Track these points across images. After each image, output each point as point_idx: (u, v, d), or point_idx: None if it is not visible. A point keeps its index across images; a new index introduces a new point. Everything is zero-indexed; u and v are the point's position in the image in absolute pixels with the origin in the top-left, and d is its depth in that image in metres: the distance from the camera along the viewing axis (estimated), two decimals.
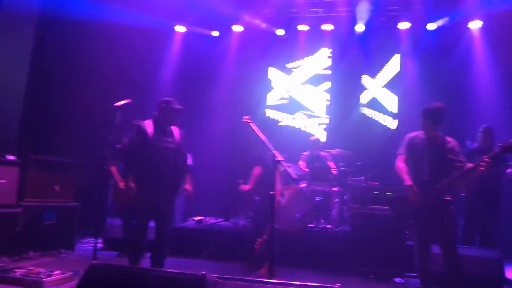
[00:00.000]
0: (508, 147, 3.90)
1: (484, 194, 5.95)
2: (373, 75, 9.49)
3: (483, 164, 3.95)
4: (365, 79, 9.53)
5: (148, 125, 4.97)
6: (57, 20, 8.23)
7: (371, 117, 9.40)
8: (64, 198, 6.41)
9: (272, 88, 10.04)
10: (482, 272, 5.27)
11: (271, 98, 10.03)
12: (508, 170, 5.86)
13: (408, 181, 4.41)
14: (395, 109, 9.23)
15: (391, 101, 9.29)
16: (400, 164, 4.55)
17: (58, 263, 5.52)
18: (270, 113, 9.91)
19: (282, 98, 9.98)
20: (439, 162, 4.37)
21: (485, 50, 8.51)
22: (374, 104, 9.45)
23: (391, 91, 9.34)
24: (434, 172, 4.36)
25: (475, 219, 6.17)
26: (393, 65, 9.36)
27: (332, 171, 7.40)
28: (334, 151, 7.71)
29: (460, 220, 6.14)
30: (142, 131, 4.90)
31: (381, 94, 9.40)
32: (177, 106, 5.08)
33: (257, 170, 5.66)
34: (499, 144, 3.95)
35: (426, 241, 4.44)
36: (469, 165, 4.18)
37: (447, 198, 4.30)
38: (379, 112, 9.37)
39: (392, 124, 9.18)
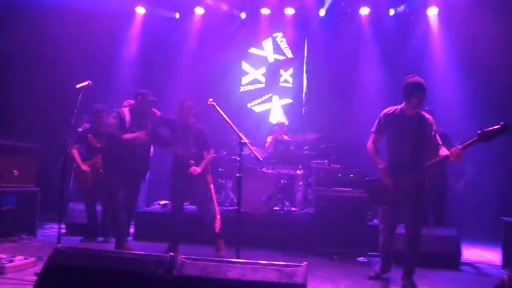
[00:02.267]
0: (487, 134, 3.76)
1: (431, 177, 6.10)
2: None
3: (457, 151, 3.89)
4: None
5: (126, 114, 5.34)
6: (16, 5, 7.95)
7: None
8: (24, 183, 6.23)
9: (238, 71, 10.01)
10: (440, 250, 5.51)
11: (245, 81, 10.01)
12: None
13: (380, 163, 4.38)
14: None
15: None
16: (370, 145, 4.51)
17: (20, 248, 5.37)
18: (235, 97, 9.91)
19: (250, 83, 9.96)
20: (417, 142, 4.26)
21: (442, 35, 8.76)
22: None
23: None
24: (410, 152, 4.26)
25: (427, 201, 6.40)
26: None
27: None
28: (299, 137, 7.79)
29: None
30: (122, 118, 5.28)
31: None
32: (152, 98, 5.46)
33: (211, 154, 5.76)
34: (478, 132, 3.80)
35: (395, 223, 4.55)
36: (444, 149, 4.13)
37: (422, 183, 4.29)
38: None
39: None
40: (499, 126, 3.70)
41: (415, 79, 4.30)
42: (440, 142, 4.27)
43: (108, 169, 5.37)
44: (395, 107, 4.45)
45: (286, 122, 9.05)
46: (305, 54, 9.70)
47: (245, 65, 10.00)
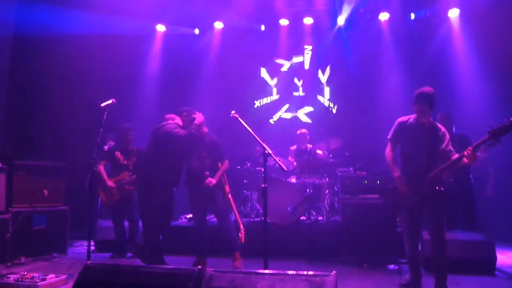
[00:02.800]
0: (497, 132, 3.83)
1: (456, 183, 5.95)
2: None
3: (468, 153, 3.95)
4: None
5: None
6: (35, 36, 8.24)
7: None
8: (54, 202, 6.35)
9: (259, 84, 10.03)
10: (474, 255, 5.37)
11: (257, 95, 10.02)
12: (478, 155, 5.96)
13: (396, 172, 4.45)
14: None
15: None
16: (389, 152, 4.60)
17: (52, 267, 5.47)
18: (257, 109, 9.91)
19: (268, 93, 9.97)
20: (430, 150, 4.36)
21: (464, 37, 8.62)
22: None
23: None
24: (424, 159, 4.36)
25: (455, 207, 6.26)
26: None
27: (323, 159, 7.44)
28: (322, 145, 7.74)
29: None
30: None
31: None
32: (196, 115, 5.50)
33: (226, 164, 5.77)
34: (488, 130, 3.87)
35: (416, 228, 4.52)
36: (456, 155, 4.19)
37: (439, 188, 4.29)
38: None
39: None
40: (508, 122, 3.73)
41: (422, 89, 4.44)
42: (452, 149, 4.34)
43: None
44: (410, 116, 4.57)
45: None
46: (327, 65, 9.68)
47: (264, 73, 10.02)
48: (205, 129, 5.54)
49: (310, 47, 9.84)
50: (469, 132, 6.04)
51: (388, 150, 4.62)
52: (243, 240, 5.24)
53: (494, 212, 7.16)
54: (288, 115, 9.83)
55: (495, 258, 5.37)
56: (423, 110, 4.38)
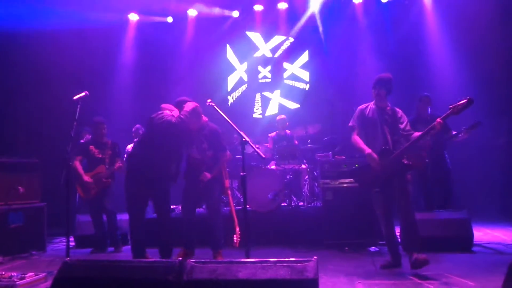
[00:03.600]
0: (459, 108, 4.14)
1: (433, 164, 6.25)
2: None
3: (438, 123, 4.20)
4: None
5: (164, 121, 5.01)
6: (5, 31, 8.00)
7: None
8: (30, 199, 6.22)
9: (233, 70, 9.95)
10: (452, 233, 5.48)
11: (232, 81, 9.93)
12: (459, 135, 6.10)
13: (366, 149, 4.62)
14: None
15: None
16: (355, 136, 4.79)
17: (30, 265, 5.38)
18: (232, 96, 9.85)
19: (241, 80, 9.89)
20: (392, 131, 4.64)
21: (436, 20, 8.70)
22: None
23: None
24: (388, 139, 4.61)
25: (432, 188, 6.42)
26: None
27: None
28: (301, 130, 7.77)
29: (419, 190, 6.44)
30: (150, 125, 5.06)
31: None
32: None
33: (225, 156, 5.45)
34: (449, 106, 4.21)
35: (389, 207, 4.66)
36: (417, 133, 4.47)
37: (405, 162, 4.51)
38: None
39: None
40: (465, 100, 4.10)
41: (380, 75, 4.78)
42: (411, 129, 4.66)
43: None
44: (369, 103, 4.86)
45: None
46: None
47: (230, 53, 9.94)
48: (205, 118, 5.21)
49: (286, 36, 9.78)
50: (442, 112, 6.12)
51: (355, 135, 4.80)
52: (237, 245, 4.75)
53: (470, 191, 7.28)
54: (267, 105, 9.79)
55: (472, 235, 5.49)
56: (380, 95, 4.69)
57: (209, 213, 5.35)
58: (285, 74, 9.85)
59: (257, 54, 9.88)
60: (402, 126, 4.66)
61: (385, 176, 4.54)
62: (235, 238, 4.77)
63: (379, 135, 4.66)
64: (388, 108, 4.74)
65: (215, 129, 5.28)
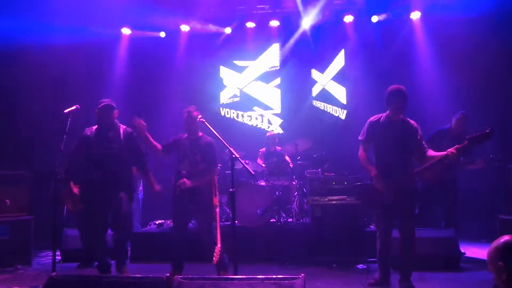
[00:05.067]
0: (475, 139, 4.03)
1: (442, 182, 6.10)
2: (322, 69, 9.65)
3: (453, 152, 4.09)
4: (314, 73, 9.68)
5: (91, 132, 5.09)
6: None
7: (323, 109, 9.56)
8: (17, 212, 6.14)
9: (224, 86, 10.00)
10: (439, 252, 5.51)
11: (224, 97, 9.99)
12: (470, 167, 6.16)
13: (373, 171, 4.47)
14: (344, 100, 9.40)
15: (340, 93, 9.45)
16: (362, 153, 4.62)
17: (15, 279, 5.30)
18: (225, 112, 9.87)
19: (234, 96, 9.92)
20: (402, 147, 4.42)
21: (426, 39, 8.83)
22: (325, 96, 9.60)
23: (338, 83, 9.51)
24: (399, 156, 4.42)
25: (432, 205, 6.41)
26: (340, 58, 9.53)
27: (290, 165, 7.52)
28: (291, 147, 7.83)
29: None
30: (83, 139, 5.05)
31: (331, 86, 9.57)
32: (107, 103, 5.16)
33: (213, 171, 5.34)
34: (467, 137, 4.09)
35: (390, 227, 4.59)
36: (431, 151, 4.34)
37: (413, 187, 4.45)
38: (330, 104, 9.55)
39: (342, 114, 9.39)
40: (486, 131, 3.97)
41: (395, 86, 4.52)
42: (426, 146, 4.47)
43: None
44: (380, 114, 4.63)
45: (279, 131, 9.11)
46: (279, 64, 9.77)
47: (234, 79, 9.98)
48: (199, 131, 5.18)
49: (277, 49, 9.87)
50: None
51: (361, 151, 4.64)
52: (215, 262, 4.73)
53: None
54: (259, 118, 9.81)
55: (459, 253, 5.53)
56: (402, 107, 4.45)
57: (200, 229, 5.23)
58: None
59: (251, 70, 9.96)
60: (416, 141, 4.46)
61: (389, 197, 4.40)
62: (214, 255, 4.69)
63: (389, 151, 4.47)
64: (402, 121, 4.52)
65: (210, 142, 5.16)
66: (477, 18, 7.77)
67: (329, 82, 9.58)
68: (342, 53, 9.49)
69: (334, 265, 5.73)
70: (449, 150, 4.13)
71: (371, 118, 4.66)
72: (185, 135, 5.18)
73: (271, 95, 9.82)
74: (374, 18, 9.05)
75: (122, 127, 5.21)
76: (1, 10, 7.78)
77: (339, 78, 9.51)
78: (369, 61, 8.99)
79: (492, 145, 5.81)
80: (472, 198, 7.58)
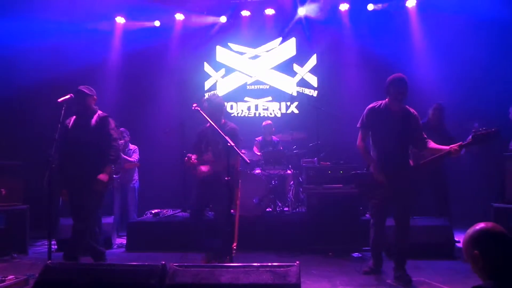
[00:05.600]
0: (480, 137, 3.96)
1: (430, 172, 6.15)
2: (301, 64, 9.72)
3: (456, 148, 4.07)
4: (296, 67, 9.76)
5: (70, 120, 5.05)
6: None
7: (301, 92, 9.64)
8: (12, 201, 6.15)
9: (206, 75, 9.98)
10: (433, 240, 5.55)
11: (208, 84, 9.94)
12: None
13: (372, 161, 4.45)
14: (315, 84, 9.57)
15: (313, 80, 9.61)
16: (360, 142, 4.58)
17: (12, 268, 5.31)
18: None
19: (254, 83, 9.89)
20: (402, 137, 4.40)
21: (421, 28, 8.82)
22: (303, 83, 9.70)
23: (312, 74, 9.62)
24: (398, 145, 4.40)
25: (421, 194, 6.42)
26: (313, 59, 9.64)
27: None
28: (287, 136, 7.82)
29: None
30: (61, 127, 4.88)
31: (307, 76, 9.68)
32: (79, 88, 5.03)
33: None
34: (473, 134, 4.01)
35: (385, 216, 4.60)
36: (431, 142, 4.34)
37: (410, 176, 4.42)
38: (306, 87, 9.67)
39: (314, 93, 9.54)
40: (492, 130, 3.89)
41: (396, 75, 4.46)
42: (425, 136, 4.44)
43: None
44: (380, 102, 4.56)
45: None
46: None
47: (207, 67, 9.95)
48: (223, 119, 5.13)
49: (274, 41, 9.82)
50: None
51: (359, 140, 4.60)
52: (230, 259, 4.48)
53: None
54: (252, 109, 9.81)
55: (453, 242, 5.57)
56: (402, 96, 4.38)
57: (216, 219, 5.16)
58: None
59: (245, 60, 9.90)
60: (416, 131, 4.45)
61: (386, 188, 4.38)
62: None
63: (387, 140, 4.43)
64: (402, 109, 4.46)
65: (233, 128, 5.05)
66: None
67: (306, 74, 9.68)
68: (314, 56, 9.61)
69: (330, 254, 5.76)
70: (451, 146, 4.11)
71: (370, 105, 4.59)
72: (208, 124, 4.96)
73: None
74: (370, 6, 9.01)
75: (97, 113, 5.09)
76: None
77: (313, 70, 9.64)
78: (366, 50, 8.95)
79: None
80: (466, 187, 7.64)
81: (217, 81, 9.88)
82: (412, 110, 4.51)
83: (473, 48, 8.00)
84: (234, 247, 4.61)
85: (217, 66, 9.91)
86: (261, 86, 9.81)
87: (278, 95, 9.71)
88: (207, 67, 9.93)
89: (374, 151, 4.55)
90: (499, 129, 3.89)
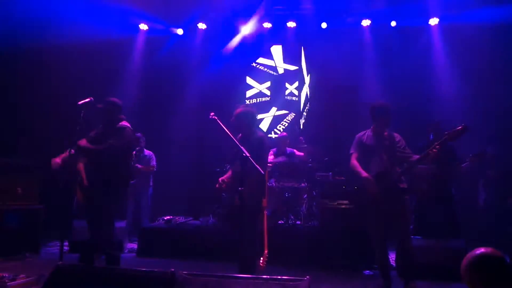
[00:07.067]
0: (452, 135, 4.31)
1: (437, 194, 6.17)
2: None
3: (435, 149, 4.29)
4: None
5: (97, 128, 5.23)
6: (10, 34, 8.09)
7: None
8: (27, 201, 6.23)
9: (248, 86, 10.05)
10: (449, 262, 5.41)
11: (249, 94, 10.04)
12: (463, 165, 6.15)
13: (363, 173, 4.61)
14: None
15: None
16: (353, 161, 4.78)
17: (23, 267, 5.35)
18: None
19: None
20: (389, 156, 4.64)
21: (444, 46, 8.76)
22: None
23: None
24: (387, 165, 4.60)
25: (425, 216, 6.35)
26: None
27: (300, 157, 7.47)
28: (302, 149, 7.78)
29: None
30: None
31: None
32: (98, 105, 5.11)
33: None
34: (446, 132, 4.36)
35: (383, 231, 4.63)
36: (416, 156, 4.53)
37: (402, 186, 4.56)
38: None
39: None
40: (460, 127, 4.29)
41: (380, 102, 4.88)
42: (410, 151, 4.70)
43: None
44: (365, 131, 4.92)
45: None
46: (304, 66, 9.76)
47: (249, 80, 10.00)
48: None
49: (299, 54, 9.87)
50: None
51: (352, 160, 4.80)
52: (262, 267, 4.42)
53: (468, 219, 7.22)
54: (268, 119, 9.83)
55: None
56: (379, 123, 4.73)
57: (241, 231, 4.70)
58: (286, 92, 9.91)
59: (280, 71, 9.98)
60: (400, 149, 4.68)
61: (380, 200, 4.49)
62: (261, 260, 4.46)
63: (376, 161, 4.67)
64: (386, 133, 4.77)
65: (260, 138, 4.75)
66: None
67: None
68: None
69: (341, 270, 5.68)
70: (431, 147, 4.33)
71: (359, 134, 4.92)
72: (239, 136, 4.84)
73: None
74: (393, 23, 9.00)
75: (120, 124, 5.18)
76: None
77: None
78: (387, 66, 8.91)
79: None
80: (478, 208, 7.52)
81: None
82: (395, 134, 4.80)
83: (497, 66, 7.91)
84: (266, 256, 4.52)
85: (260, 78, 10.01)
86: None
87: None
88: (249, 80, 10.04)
89: (367, 171, 4.66)
90: (466, 126, 4.27)
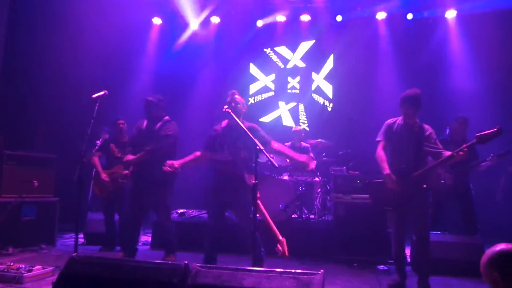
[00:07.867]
0: (484, 138, 4.00)
1: (455, 190, 6.09)
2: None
3: (462, 152, 4.10)
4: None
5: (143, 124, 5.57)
6: (28, 24, 8.17)
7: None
8: (44, 193, 6.30)
9: (255, 79, 10.00)
10: (465, 258, 5.36)
11: (253, 89, 10.00)
12: (483, 164, 6.03)
13: (386, 170, 4.49)
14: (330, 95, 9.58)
15: (328, 89, 9.66)
16: (380, 152, 4.65)
17: (39, 258, 5.43)
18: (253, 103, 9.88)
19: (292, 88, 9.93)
20: (417, 149, 4.48)
21: (460, 38, 8.62)
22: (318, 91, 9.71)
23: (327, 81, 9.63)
24: (412, 159, 4.47)
25: (442, 211, 6.27)
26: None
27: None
28: (314, 142, 7.71)
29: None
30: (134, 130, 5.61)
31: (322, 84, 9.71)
32: (147, 98, 5.53)
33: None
34: (476, 135, 4.06)
35: (402, 227, 4.58)
36: (447, 152, 4.30)
37: (424, 186, 4.41)
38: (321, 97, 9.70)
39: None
40: (495, 129, 3.94)
41: (408, 92, 4.61)
42: (442, 147, 4.50)
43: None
44: (397, 117, 4.72)
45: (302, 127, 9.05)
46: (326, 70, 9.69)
47: (253, 69, 9.99)
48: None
49: (308, 44, 9.79)
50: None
51: (379, 150, 4.67)
52: (286, 254, 4.40)
53: (485, 216, 7.12)
54: (276, 113, 9.79)
55: None
56: (409, 113, 4.54)
57: (240, 221, 4.88)
58: (313, 86, 9.86)
59: (289, 65, 9.94)
60: (431, 144, 4.49)
61: (401, 197, 4.40)
62: (280, 247, 4.40)
63: (403, 153, 4.53)
64: (416, 125, 4.59)
65: (253, 126, 4.70)
66: None
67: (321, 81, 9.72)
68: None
69: (355, 264, 5.65)
70: (457, 150, 4.14)
71: (388, 121, 4.75)
72: (225, 123, 4.84)
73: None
74: (409, 16, 8.88)
75: (163, 119, 5.56)
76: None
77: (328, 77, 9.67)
78: (403, 59, 8.79)
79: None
80: (497, 203, 7.41)
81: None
82: (426, 126, 4.61)
83: None
84: (285, 243, 4.43)
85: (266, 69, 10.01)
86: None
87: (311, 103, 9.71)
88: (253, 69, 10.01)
89: (392, 162, 4.59)
90: (501, 129, 3.93)
